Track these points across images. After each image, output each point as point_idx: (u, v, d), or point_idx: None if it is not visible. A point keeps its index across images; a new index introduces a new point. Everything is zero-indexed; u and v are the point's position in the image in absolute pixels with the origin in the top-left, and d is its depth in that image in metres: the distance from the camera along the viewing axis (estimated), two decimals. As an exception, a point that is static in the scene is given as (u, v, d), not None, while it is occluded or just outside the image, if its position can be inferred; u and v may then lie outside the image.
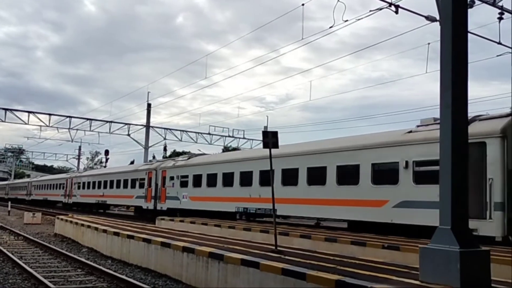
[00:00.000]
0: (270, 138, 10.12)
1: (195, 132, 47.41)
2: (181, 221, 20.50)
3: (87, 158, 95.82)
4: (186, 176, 25.16)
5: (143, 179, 29.63)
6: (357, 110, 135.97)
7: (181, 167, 26.19)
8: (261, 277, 7.47)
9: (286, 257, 8.37)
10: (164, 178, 27.32)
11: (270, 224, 17.30)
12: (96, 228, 15.18)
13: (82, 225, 16.97)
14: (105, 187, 36.01)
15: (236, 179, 21.11)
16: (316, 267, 7.13)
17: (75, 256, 12.84)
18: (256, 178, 19.84)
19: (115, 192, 33.80)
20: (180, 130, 47.67)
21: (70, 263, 12.20)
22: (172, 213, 25.78)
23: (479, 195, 11.92)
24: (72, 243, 17.08)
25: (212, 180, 22.82)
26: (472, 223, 10.65)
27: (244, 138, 48.71)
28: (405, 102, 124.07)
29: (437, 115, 6.49)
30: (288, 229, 15.60)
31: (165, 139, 47.47)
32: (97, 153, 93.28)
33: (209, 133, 47.02)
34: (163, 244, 10.67)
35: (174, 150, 74.58)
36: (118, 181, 33.55)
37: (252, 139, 48.59)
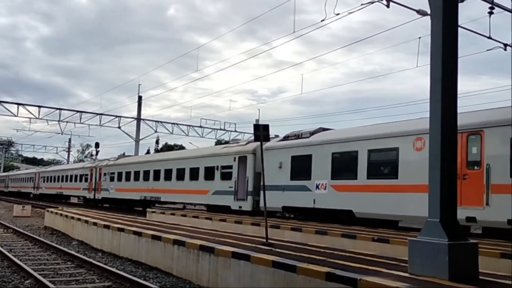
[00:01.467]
0: (261, 131, 10.13)
1: (187, 125, 47.40)
2: (172, 214, 20.51)
3: (78, 151, 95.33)
4: (113, 173, 33.65)
5: (87, 174, 38.00)
6: (349, 103, 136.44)
7: (110, 166, 34.69)
8: (252, 270, 7.50)
9: (277, 250, 8.41)
10: (100, 174, 35.67)
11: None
12: (87, 221, 15.12)
13: (72, 218, 16.90)
14: (62, 180, 44.51)
15: (141, 176, 29.71)
16: (306, 260, 7.17)
17: (65, 249, 12.78)
18: (151, 175, 28.43)
19: (69, 185, 42.33)
20: (172, 123, 47.59)
21: (60, 256, 12.15)
22: (105, 201, 35.56)
23: (245, 187, 20.23)
24: (62, 236, 17.00)
25: (128, 176, 31.47)
26: (240, 203, 20.45)
27: (235, 131, 48.76)
28: (397, 96, 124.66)
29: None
30: (279, 222, 15.67)
31: (156, 131, 47.40)
32: (87, 146, 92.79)
33: (200, 126, 46.97)
34: (154, 237, 10.66)
35: (166, 143, 74.38)
36: (71, 176, 42.13)
37: (244, 132, 48.63)
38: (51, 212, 20.77)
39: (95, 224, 14.26)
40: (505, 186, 11.27)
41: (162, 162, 27.99)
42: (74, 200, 46.50)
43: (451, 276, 5.66)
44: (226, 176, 21.41)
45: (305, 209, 17.22)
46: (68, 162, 69.78)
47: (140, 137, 45.43)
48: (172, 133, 47.20)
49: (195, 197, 24.04)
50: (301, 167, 17.33)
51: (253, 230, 14.63)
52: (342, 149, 15.96)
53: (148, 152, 61.89)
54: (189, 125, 47.21)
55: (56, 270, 10.22)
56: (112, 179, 33.46)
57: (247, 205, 19.86)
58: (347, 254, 8.18)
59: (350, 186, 15.38)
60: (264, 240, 9.61)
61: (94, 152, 65.84)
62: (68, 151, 74.98)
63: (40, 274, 9.28)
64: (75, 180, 40.46)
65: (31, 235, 16.48)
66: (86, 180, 37.98)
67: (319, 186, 16.45)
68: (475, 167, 12.14)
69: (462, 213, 10.31)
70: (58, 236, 17.05)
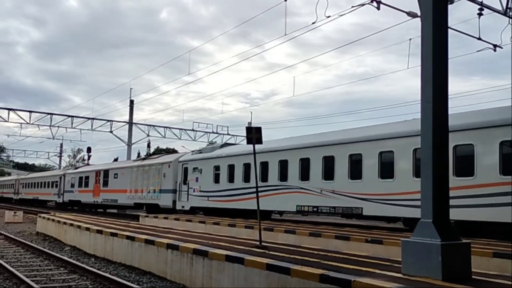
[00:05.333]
0: (253, 134, 10.12)
1: (179, 129, 47.18)
2: (165, 218, 20.45)
3: (69, 156, 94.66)
4: (24, 183, 55.06)
5: (14, 184, 60.17)
6: (341, 105, 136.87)
7: (23, 179, 56.80)
8: (246, 273, 7.49)
9: (271, 253, 8.40)
10: (19, 184, 57.30)
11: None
12: (79, 226, 15.03)
13: (65, 223, 16.79)
14: (2, 188, 66.11)
15: (33, 185, 51.35)
16: (300, 262, 7.18)
17: (58, 255, 12.70)
18: (37, 185, 49.58)
19: (6, 190, 64.45)
20: (164, 127, 47.40)
21: (52, 262, 12.06)
22: (21, 201, 55.61)
23: (62, 191, 42.17)
24: (55, 242, 16.89)
25: (29, 185, 53.13)
26: (59, 199, 42.95)
27: (228, 134, 48.64)
28: (388, 97, 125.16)
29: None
30: (272, 224, 15.68)
31: (148, 135, 47.20)
32: (79, 151, 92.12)
33: (193, 130, 46.85)
34: (147, 241, 10.62)
35: (158, 147, 74.02)
36: (7, 185, 64.20)
37: (236, 135, 48.54)
38: (43, 217, 20.63)
39: (87, 229, 14.18)
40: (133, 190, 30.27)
41: (39, 177, 50.98)
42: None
43: (444, 276, 5.68)
44: (56, 186, 42.59)
45: (88, 203, 36.94)
46: (60, 167, 69.38)
47: (132, 141, 45.28)
48: (164, 137, 47.05)
49: (49, 196, 45.48)
50: (86, 182, 37.08)
51: (247, 233, 14.62)
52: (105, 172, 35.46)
53: (138, 156, 61.55)
54: (182, 129, 47.04)
55: (49, 276, 10.15)
56: (23, 186, 55.43)
57: (60, 200, 41.35)
58: (341, 256, 8.19)
59: (103, 190, 34.24)
60: (258, 243, 9.61)
61: (86, 157, 65.59)
62: (60, 156, 74.55)
63: (32, 281, 9.21)
64: (8, 188, 63.16)
65: (23, 241, 16.35)
66: (13, 187, 60.61)
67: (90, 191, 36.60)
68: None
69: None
70: (51, 242, 16.92)
